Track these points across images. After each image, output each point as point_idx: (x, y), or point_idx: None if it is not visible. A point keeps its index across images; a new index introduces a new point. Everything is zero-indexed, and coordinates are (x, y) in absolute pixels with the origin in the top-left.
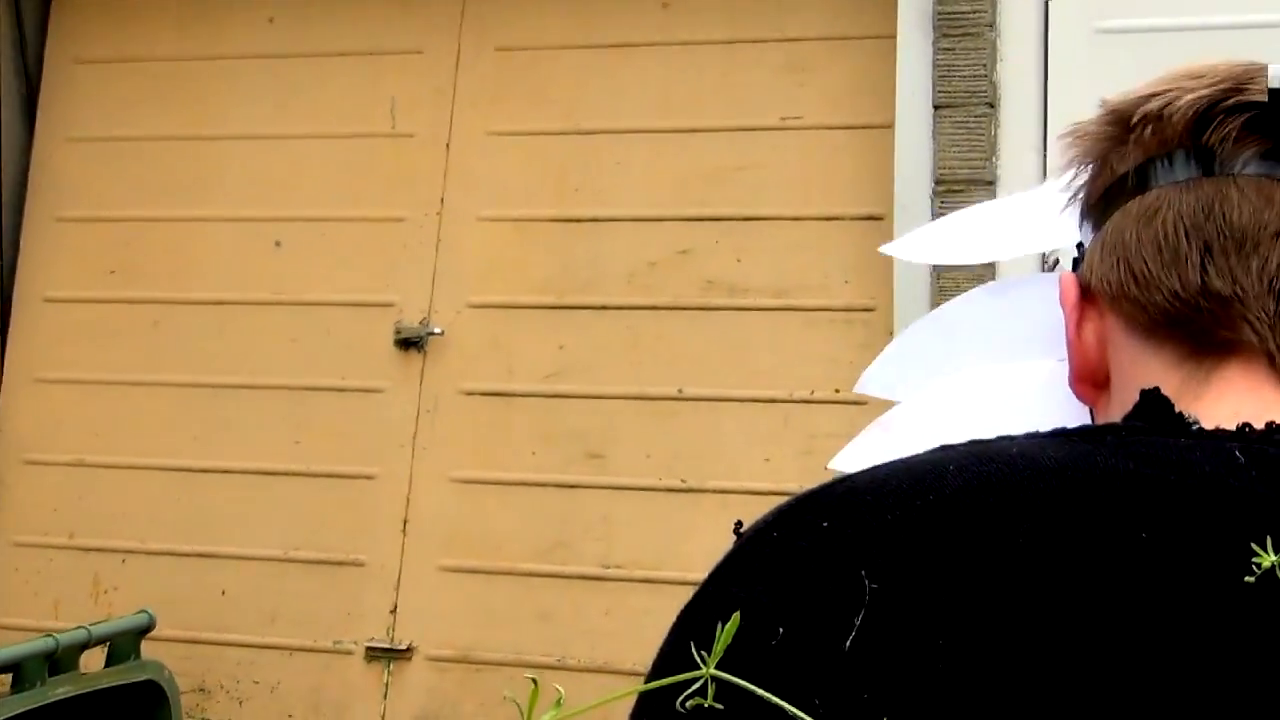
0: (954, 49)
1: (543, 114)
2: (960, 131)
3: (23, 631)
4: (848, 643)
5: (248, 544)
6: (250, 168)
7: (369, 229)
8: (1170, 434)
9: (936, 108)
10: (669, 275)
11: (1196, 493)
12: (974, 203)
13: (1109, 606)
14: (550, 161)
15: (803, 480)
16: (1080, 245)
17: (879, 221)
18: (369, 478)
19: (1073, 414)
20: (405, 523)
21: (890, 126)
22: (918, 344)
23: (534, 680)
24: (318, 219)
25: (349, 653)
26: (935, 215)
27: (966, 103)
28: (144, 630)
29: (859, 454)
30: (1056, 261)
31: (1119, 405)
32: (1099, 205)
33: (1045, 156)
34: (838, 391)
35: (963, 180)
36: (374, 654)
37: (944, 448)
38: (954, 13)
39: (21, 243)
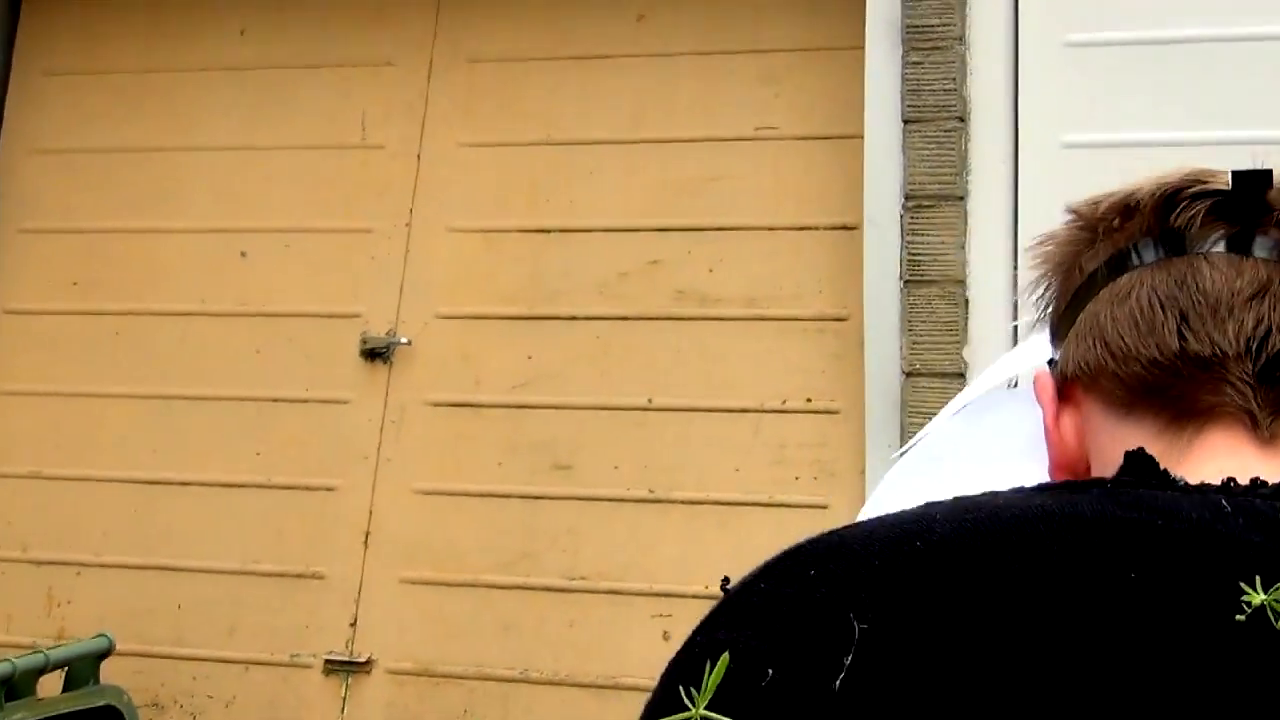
0: (923, 63)
1: (515, 126)
2: (930, 146)
3: None
4: (837, 682)
5: (206, 557)
6: (217, 179)
7: (336, 240)
8: (1160, 486)
9: (906, 122)
10: (640, 286)
11: (1185, 536)
12: (944, 218)
13: (1098, 644)
14: (521, 173)
15: (772, 491)
16: (1052, 361)
17: (853, 231)
18: (330, 489)
19: None
20: (367, 535)
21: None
22: (904, 477)
23: None
24: (284, 230)
25: (307, 666)
26: (905, 231)
27: (936, 117)
28: (103, 654)
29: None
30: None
31: None
32: (1071, 306)
33: (1016, 171)
34: (809, 401)
35: (933, 195)
36: (332, 667)
37: (930, 503)
38: (922, 26)
39: None
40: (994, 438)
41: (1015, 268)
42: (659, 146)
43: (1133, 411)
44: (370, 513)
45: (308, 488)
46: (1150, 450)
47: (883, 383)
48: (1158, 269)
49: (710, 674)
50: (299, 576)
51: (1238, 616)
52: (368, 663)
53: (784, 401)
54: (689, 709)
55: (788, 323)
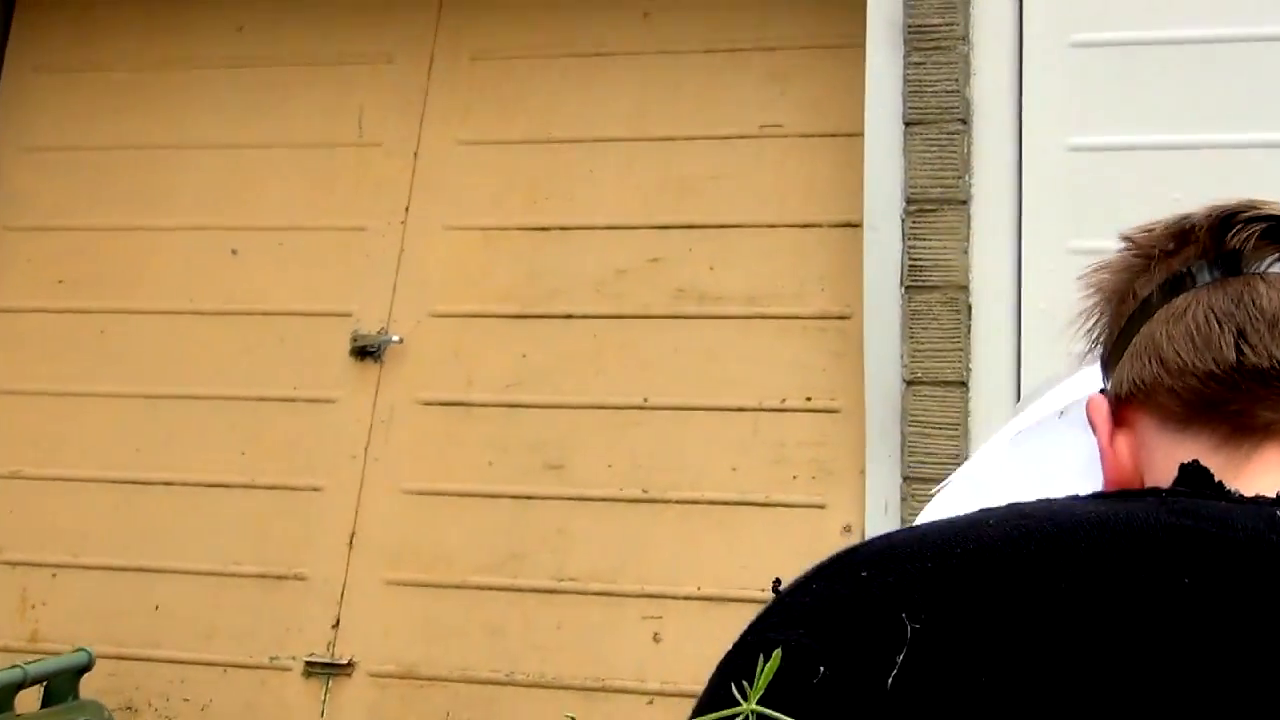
0: (925, 63)
1: (515, 124)
2: (932, 149)
3: None
4: (889, 681)
5: (186, 558)
6: (209, 177)
7: (329, 238)
8: (1214, 497)
9: (907, 124)
10: (638, 284)
11: (1238, 545)
12: (946, 223)
13: (1149, 648)
14: (520, 171)
15: (770, 490)
16: (1103, 391)
17: (857, 229)
18: (316, 490)
19: None
20: (352, 535)
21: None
22: (949, 503)
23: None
24: (277, 228)
25: (286, 669)
26: (906, 235)
27: (938, 119)
28: (82, 669)
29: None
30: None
31: None
32: (1125, 332)
33: (1020, 174)
34: (809, 400)
35: (935, 200)
36: (313, 670)
37: (984, 509)
38: (924, 26)
39: None
40: (1043, 464)
41: (1019, 272)
42: (661, 144)
43: (1189, 427)
44: (356, 513)
45: (293, 488)
46: (1206, 464)
47: (883, 391)
48: (1214, 289)
49: (762, 670)
50: (281, 578)
51: None
52: (349, 665)
53: (783, 400)
54: (740, 704)
55: (789, 321)
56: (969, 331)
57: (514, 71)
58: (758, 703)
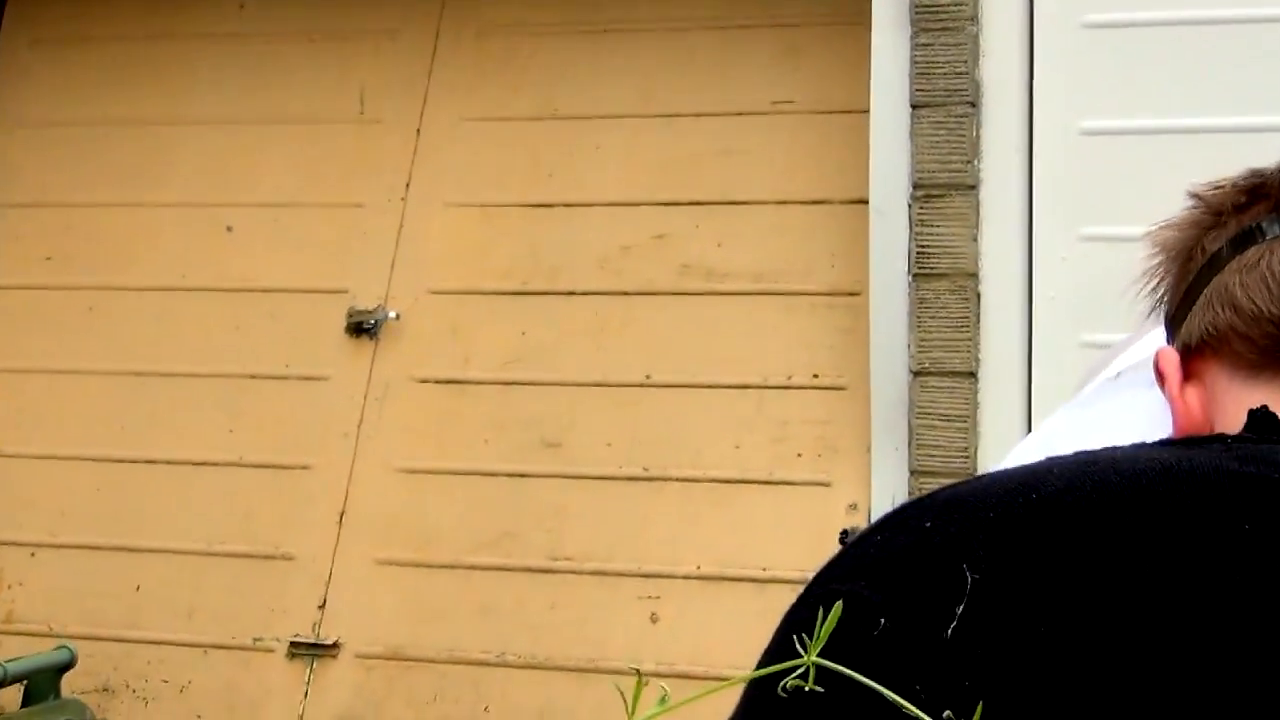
0: (933, 44)
1: (520, 100)
2: (940, 132)
3: None
4: (949, 632)
5: (169, 537)
6: (205, 153)
7: (327, 215)
8: (1277, 444)
9: (914, 107)
10: (643, 260)
11: None
12: (955, 208)
13: (1212, 595)
14: (524, 147)
15: (773, 468)
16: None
17: (868, 206)
18: (305, 468)
19: None
20: (342, 514)
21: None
22: (1022, 458)
23: (637, 670)
24: (274, 205)
25: (270, 650)
26: (913, 221)
27: (946, 101)
28: (64, 667)
29: None
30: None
31: None
32: (1192, 288)
33: (1031, 159)
34: (816, 377)
35: (942, 185)
36: (297, 651)
37: (1050, 458)
38: (932, 5)
39: None
40: (1108, 424)
41: (1030, 259)
42: (669, 120)
43: (1261, 374)
44: (347, 492)
45: (282, 466)
46: (1276, 410)
47: (890, 382)
48: None
49: (823, 622)
50: (267, 558)
51: None
52: (335, 646)
53: (789, 377)
54: (802, 656)
55: (797, 297)
56: (978, 321)
57: (520, 47)
58: (819, 654)
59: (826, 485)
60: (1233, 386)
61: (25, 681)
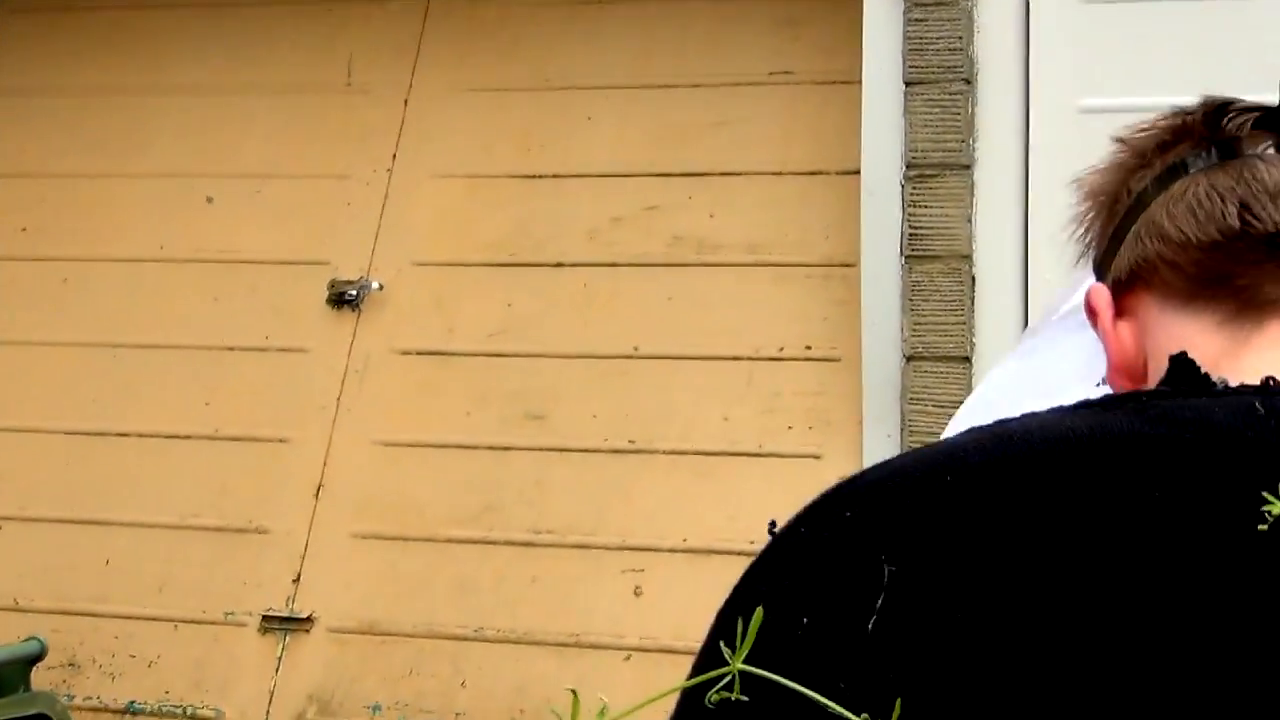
0: (926, 19)
1: (512, 70)
2: (934, 110)
3: None
4: (869, 626)
5: (141, 511)
6: (186, 122)
7: (311, 186)
8: (1194, 395)
9: (907, 84)
10: (633, 232)
11: (1211, 448)
12: (948, 188)
13: (1121, 568)
14: (515, 119)
15: (762, 440)
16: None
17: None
18: (283, 441)
19: None
20: (319, 488)
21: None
22: (969, 418)
23: (573, 691)
24: (256, 175)
25: (242, 625)
26: (906, 202)
27: (940, 79)
28: (34, 659)
29: None
30: None
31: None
32: (1120, 228)
33: (1027, 137)
34: (809, 349)
35: (935, 164)
36: (269, 625)
37: (970, 429)
38: None
39: None
40: (1046, 373)
41: (1026, 241)
42: (664, 91)
43: (1192, 303)
44: (324, 465)
45: (258, 439)
46: (1210, 343)
47: (882, 367)
48: (1212, 170)
49: (748, 627)
50: (240, 531)
51: (1260, 526)
52: (308, 620)
53: (781, 349)
54: (728, 663)
55: (791, 269)
56: (973, 304)
57: (513, 16)
58: (746, 660)
59: (817, 458)
60: (1164, 318)
61: None
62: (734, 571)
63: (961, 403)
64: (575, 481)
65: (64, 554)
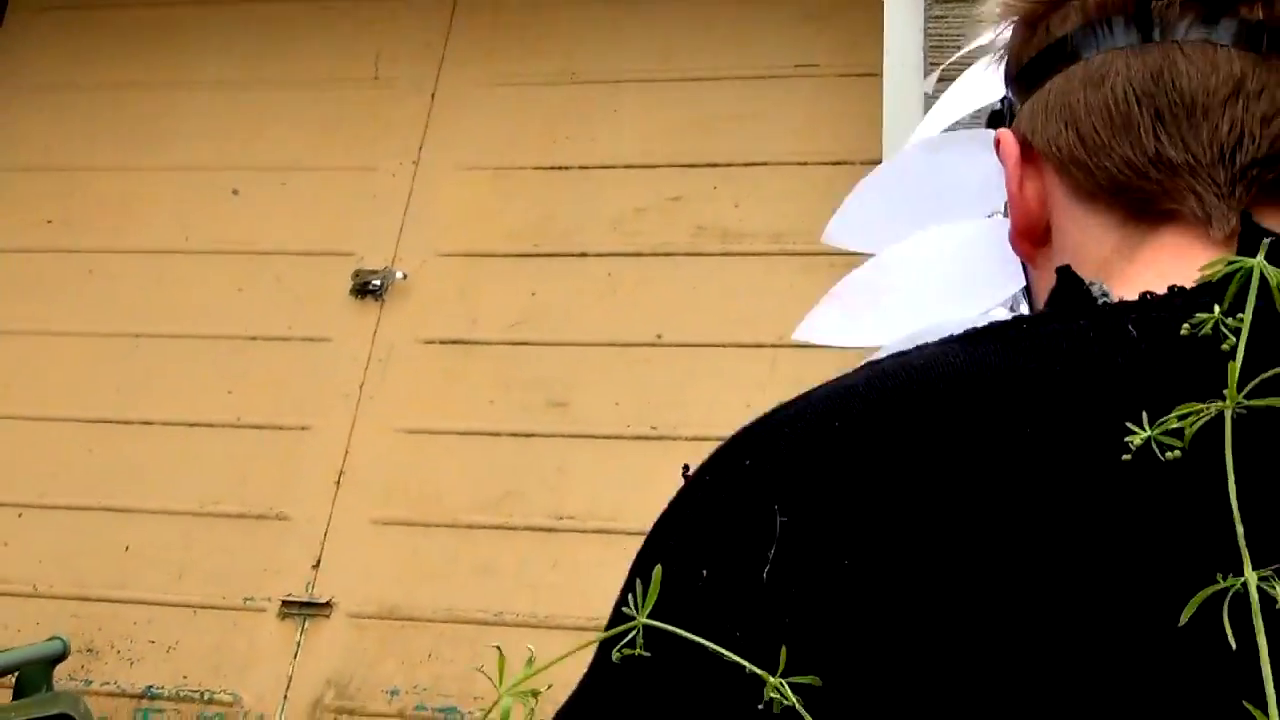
0: (946, 16)
1: (537, 65)
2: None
3: None
4: (764, 575)
5: (161, 499)
6: (214, 116)
7: (337, 178)
8: (1076, 316)
9: (928, 77)
10: (658, 222)
11: (1080, 380)
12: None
13: (993, 507)
14: (540, 111)
15: None
16: (1007, 100)
17: None
18: (304, 429)
19: (1008, 274)
20: (340, 475)
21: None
22: (867, 200)
23: (498, 647)
24: (282, 168)
25: (261, 610)
26: None
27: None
28: (56, 659)
29: (818, 327)
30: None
31: (1059, 262)
32: (1033, 67)
33: None
34: None
35: None
36: (288, 610)
37: (866, 365)
38: None
39: None
40: (945, 188)
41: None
42: (689, 84)
43: (1094, 202)
44: (346, 453)
45: (280, 427)
46: (1105, 242)
47: None
48: (1133, 57)
49: (651, 585)
50: (260, 518)
51: (1124, 457)
52: (327, 605)
53: None
54: (633, 620)
55: (814, 258)
56: None
57: (540, 11)
58: (651, 615)
59: None
60: (1069, 205)
61: (16, 673)
62: None
63: None
64: (597, 468)
65: (83, 541)
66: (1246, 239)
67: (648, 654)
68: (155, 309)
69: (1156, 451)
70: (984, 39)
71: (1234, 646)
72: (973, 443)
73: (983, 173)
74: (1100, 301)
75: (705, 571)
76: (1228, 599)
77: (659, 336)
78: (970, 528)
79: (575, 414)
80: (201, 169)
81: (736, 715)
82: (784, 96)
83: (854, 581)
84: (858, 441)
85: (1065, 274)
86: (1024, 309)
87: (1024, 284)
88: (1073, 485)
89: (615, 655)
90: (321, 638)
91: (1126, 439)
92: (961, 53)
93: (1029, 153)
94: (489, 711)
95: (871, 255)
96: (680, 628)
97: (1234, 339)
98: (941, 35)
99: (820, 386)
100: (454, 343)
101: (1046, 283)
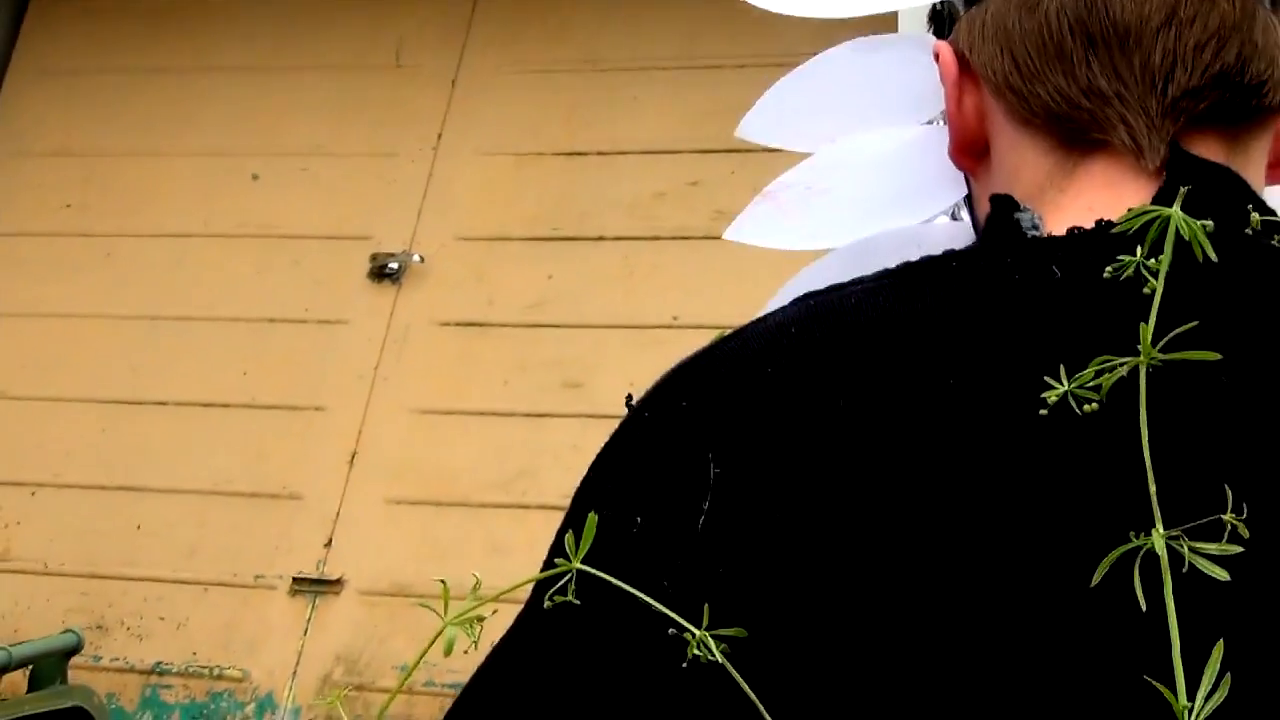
0: None
1: (560, 52)
2: None
3: None
4: (699, 525)
5: (173, 478)
6: (235, 101)
7: (356, 163)
8: (1004, 253)
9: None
10: (675, 207)
11: (1005, 329)
12: None
13: (918, 460)
14: (562, 98)
15: None
16: (946, 2)
17: None
18: (319, 409)
19: (949, 181)
20: (354, 455)
21: None
22: (791, 95)
23: (443, 581)
24: (302, 153)
25: (272, 588)
26: None
27: None
28: (70, 651)
29: (748, 226)
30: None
31: (997, 181)
32: None
33: None
34: None
35: None
36: (299, 587)
37: (800, 300)
38: None
39: None
40: (879, 90)
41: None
42: (711, 72)
43: (1028, 126)
44: (360, 432)
45: (294, 407)
46: (1040, 166)
47: None
48: None
49: (584, 531)
50: (273, 497)
51: (1041, 411)
52: (338, 582)
53: None
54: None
55: None
56: None
57: (561, 3)
58: (585, 561)
59: None
60: (1005, 127)
61: (30, 666)
62: None
63: None
64: None
65: (95, 519)
66: (1174, 170)
67: (578, 601)
68: (172, 292)
69: (1074, 405)
70: None
71: (1144, 608)
72: (898, 395)
73: (920, 77)
74: (1030, 235)
75: (639, 519)
76: (1139, 558)
77: (675, 318)
78: (893, 482)
79: (590, 394)
80: (222, 154)
81: (666, 666)
82: None
83: (782, 533)
84: (788, 389)
85: (997, 204)
86: (964, 216)
87: (965, 193)
88: (995, 440)
89: (547, 602)
90: (332, 615)
91: (1043, 394)
92: None
93: (967, 68)
94: (432, 641)
95: (786, 151)
96: (613, 576)
97: (1154, 280)
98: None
99: (758, 321)
100: (470, 325)
101: (986, 201)
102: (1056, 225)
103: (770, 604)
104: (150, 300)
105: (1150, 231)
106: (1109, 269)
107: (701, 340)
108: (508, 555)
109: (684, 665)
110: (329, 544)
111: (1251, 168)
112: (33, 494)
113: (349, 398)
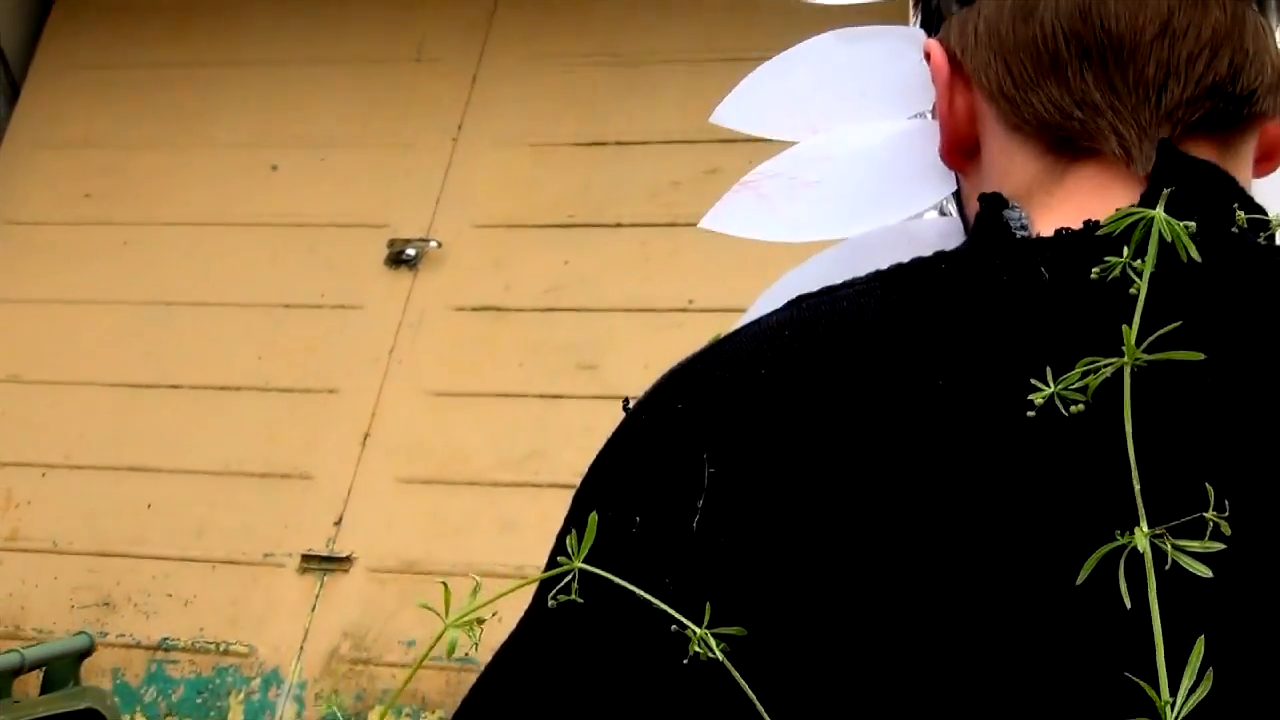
0: None
1: (581, 44)
2: None
3: None
4: (694, 524)
5: (185, 459)
6: (255, 93)
7: (376, 154)
8: (993, 254)
9: None
10: (693, 194)
11: (994, 331)
12: None
13: (908, 463)
14: (581, 90)
15: None
16: (936, 16)
17: None
18: (332, 391)
19: (938, 176)
20: (366, 435)
21: None
22: (770, 83)
23: (444, 583)
24: (322, 145)
25: (281, 565)
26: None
27: None
28: (83, 653)
29: (726, 216)
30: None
31: (987, 181)
32: None
33: None
34: None
35: None
36: (308, 565)
37: (794, 302)
38: None
39: None
40: (863, 82)
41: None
42: (731, 64)
43: (1021, 132)
44: (373, 414)
45: (307, 390)
46: (1029, 169)
47: None
48: None
49: (586, 531)
50: (284, 477)
51: (1029, 414)
52: (348, 560)
53: None
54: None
55: None
56: None
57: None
58: (586, 560)
59: None
60: (996, 130)
61: (44, 668)
62: None
63: None
64: None
65: (106, 499)
66: (1160, 171)
67: (582, 600)
68: (188, 278)
69: (1060, 407)
70: None
71: (1128, 605)
72: (889, 396)
73: (907, 71)
74: (1019, 234)
75: (639, 518)
76: (1124, 556)
77: (690, 302)
78: (883, 482)
79: (604, 376)
80: (242, 146)
81: (668, 664)
82: None
83: (775, 533)
84: (782, 391)
85: (987, 204)
86: (952, 210)
87: (955, 189)
88: (984, 440)
89: (551, 601)
90: (340, 591)
91: (1030, 396)
92: None
93: (959, 70)
94: (433, 644)
95: (764, 140)
96: (615, 575)
97: (1139, 281)
98: None
99: (752, 324)
100: (486, 309)
101: (976, 200)
102: (1045, 226)
103: (761, 602)
104: (166, 286)
105: (1135, 233)
106: (1095, 270)
107: (717, 323)
108: (518, 532)
109: (685, 662)
110: (339, 522)
111: (1240, 166)
112: (44, 475)
113: (363, 380)
